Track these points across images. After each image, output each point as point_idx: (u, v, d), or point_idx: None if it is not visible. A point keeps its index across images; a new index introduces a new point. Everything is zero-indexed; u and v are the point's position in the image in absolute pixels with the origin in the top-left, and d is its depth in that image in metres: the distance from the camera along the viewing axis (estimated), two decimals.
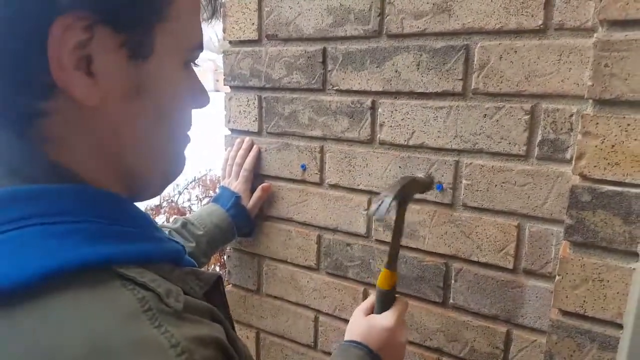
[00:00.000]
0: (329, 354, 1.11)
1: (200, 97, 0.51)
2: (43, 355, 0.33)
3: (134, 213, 0.47)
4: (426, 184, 0.87)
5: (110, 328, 0.35)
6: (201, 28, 0.49)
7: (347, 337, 0.79)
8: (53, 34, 0.37)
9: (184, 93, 0.48)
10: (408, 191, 0.81)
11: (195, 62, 0.50)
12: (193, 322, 0.40)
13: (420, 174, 0.89)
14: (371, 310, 0.82)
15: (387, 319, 0.78)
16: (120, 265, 0.39)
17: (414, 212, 0.93)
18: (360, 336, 0.77)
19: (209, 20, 0.53)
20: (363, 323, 0.79)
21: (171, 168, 0.51)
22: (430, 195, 0.91)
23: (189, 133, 0.52)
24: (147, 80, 0.44)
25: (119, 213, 0.44)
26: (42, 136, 0.41)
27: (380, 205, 0.71)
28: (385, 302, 0.81)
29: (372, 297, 0.83)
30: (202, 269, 0.53)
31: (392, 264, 0.80)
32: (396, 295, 0.82)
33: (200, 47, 0.49)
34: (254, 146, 1.13)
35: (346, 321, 1.06)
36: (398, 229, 0.80)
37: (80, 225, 0.39)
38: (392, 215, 0.78)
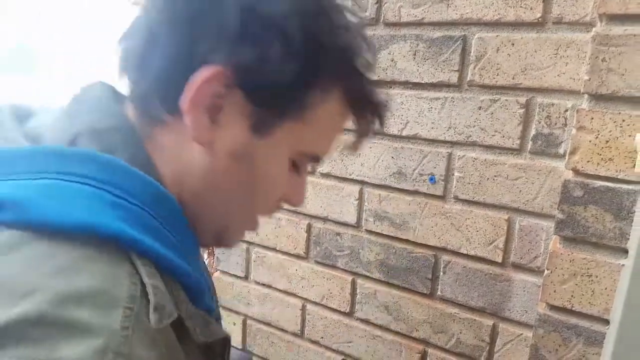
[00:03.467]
0: (316, 342, 1.11)
1: (294, 196, 0.53)
2: (23, 284, 0.33)
3: (186, 232, 0.47)
4: None
5: (90, 295, 0.34)
6: (329, 146, 0.51)
7: None
8: (200, 75, 0.40)
9: (280, 184, 0.49)
10: None
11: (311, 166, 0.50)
12: (154, 349, 0.37)
13: None
14: None
15: None
16: (141, 258, 0.39)
17: (404, 203, 0.93)
18: None
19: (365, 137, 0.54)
20: None
21: (226, 233, 0.52)
22: (421, 186, 0.90)
23: (261, 217, 0.53)
24: (254, 154, 0.45)
25: (173, 222, 0.44)
26: (150, 134, 0.45)
27: None
28: None
29: None
30: (219, 320, 0.53)
31: None
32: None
33: (317, 159, 0.51)
34: None
35: (333, 310, 1.07)
36: None
37: (135, 209, 0.40)
38: None
